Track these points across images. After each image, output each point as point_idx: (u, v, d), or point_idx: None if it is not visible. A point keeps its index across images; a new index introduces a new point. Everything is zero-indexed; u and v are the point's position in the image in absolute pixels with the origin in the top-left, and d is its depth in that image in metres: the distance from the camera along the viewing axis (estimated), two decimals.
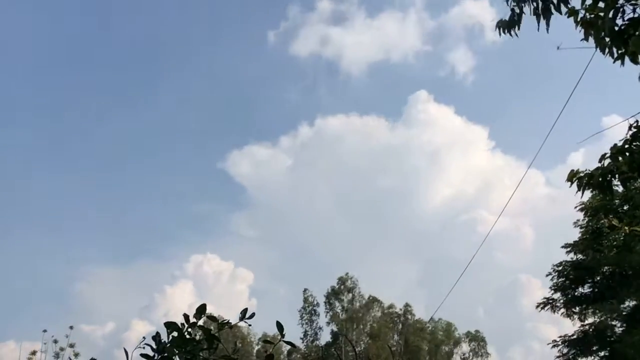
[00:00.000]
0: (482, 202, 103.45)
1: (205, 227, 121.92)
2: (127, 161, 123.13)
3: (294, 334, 69.86)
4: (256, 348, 72.92)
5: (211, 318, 3.04)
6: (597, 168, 6.55)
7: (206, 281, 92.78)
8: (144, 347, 2.87)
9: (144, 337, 2.86)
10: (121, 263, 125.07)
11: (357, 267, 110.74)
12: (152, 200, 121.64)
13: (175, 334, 2.88)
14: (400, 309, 74.71)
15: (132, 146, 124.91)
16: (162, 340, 2.88)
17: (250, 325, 3.07)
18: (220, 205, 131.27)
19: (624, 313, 27.85)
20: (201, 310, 2.92)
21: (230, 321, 3.00)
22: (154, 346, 2.89)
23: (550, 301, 30.26)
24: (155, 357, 2.87)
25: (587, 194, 6.74)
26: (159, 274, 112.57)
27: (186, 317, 2.92)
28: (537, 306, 30.80)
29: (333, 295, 71.72)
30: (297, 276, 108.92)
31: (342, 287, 72.00)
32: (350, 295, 71.94)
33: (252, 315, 2.98)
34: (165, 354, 2.81)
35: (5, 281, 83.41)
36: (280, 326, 3.11)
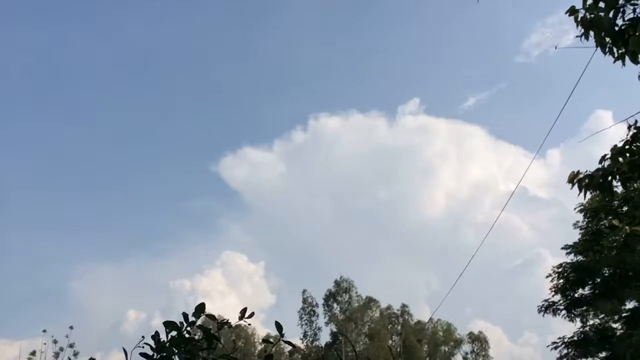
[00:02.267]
0: None
1: (199, 228, 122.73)
2: (122, 164, 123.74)
3: (295, 334, 70.14)
4: (259, 348, 72.93)
5: (210, 317, 3.02)
6: (598, 169, 6.52)
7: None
8: (143, 347, 2.86)
9: (143, 337, 2.85)
10: (117, 261, 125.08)
11: (360, 269, 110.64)
12: (148, 201, 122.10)
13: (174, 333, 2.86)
14: (398, 310, 74.80)
15: (127, 149, 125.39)
16: (161, 340, 2.87)
17: (249, 324, 3.05)
18: (215, 206, 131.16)
19: (624, 314, 27.78)
20: (200, 309, 2.90)
21: (229, 320, 2.99)
22: (153, 345, 2.87)
23: (551, 304, 30.12)
24: (155, 357, 2.85)
25: (587, 195, 6.70)
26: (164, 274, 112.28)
27: (185, 316, 2.91)
28: (539, 311, 30.66)
29: (331, 297, 71.94)
30: (297, 278, 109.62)
31: (338, 289, 72.23)
32: (347, 296, 72.15)
33: (252, 314, 2.97)
34: (164, 354, 2.80)
35: (7, 281, 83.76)
36: (279, 326, 3.10)
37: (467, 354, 76.63)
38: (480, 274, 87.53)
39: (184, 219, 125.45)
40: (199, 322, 2.97)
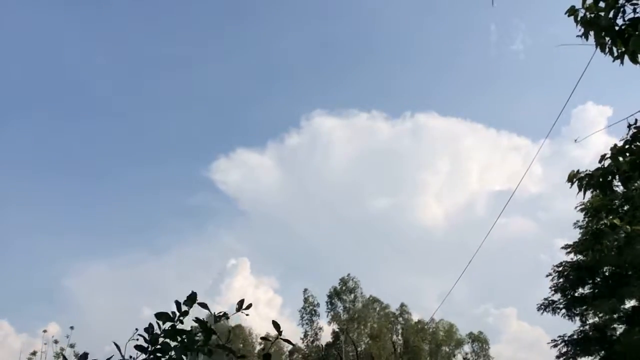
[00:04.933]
0: None
1: (194, 228, 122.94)
2: (118, 164, 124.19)
3: (296, 334, 69.93)
4: (258, 348, 72.65)
5: (202, 305, 2.98)
6: (598, 168, 6.53)
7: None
8: (137, 339, 2.85)
9: (136, 329, 2.84)
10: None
11: (361, 271, 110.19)
12: (144, 201, 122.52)
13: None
14: (397, 309, 74.61)
15: (120, 153, 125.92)
16: (155, 332, 2.85)
17: (247, 314, 3.02)
18: (210, 205, 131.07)
19: (623, 313, 27.78)
20: (192, 298, 2.88)
21: (227, 313, 2.97)
22: (147, 337, 2.85)
23: (551, 302, 30.14)
24: (149, 349, 2.84)
25: (588, 194, 6.72)
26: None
27: (178, 304, 2.88)
28: (538, 308, 30.73)
29: (335, 295, 71.15)
30: (296, 279, 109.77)
31: (344, 287, 71.50)
32: (352, 295, 71.49)
33: (249, 305, 2.95)
34: (159, 347, 2.77)
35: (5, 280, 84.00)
36: (276, 325, 3.08)
37: (467, 354, 76.58)
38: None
39: (179, 219, 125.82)
40: (198, 316, 2.95)
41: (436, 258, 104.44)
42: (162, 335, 2.82)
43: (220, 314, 2.93)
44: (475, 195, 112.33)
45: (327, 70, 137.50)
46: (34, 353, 23.74)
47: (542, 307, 30.42)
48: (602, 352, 28.16)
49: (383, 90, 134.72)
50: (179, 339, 2.80)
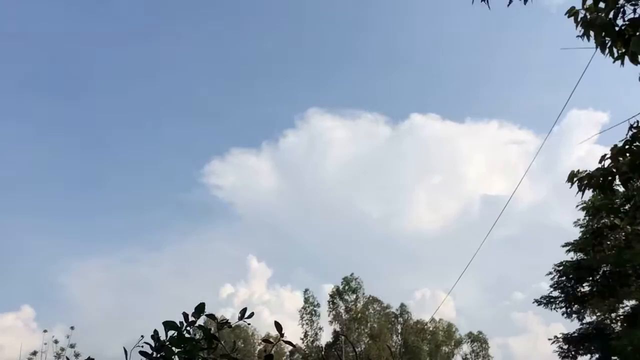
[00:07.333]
0: None
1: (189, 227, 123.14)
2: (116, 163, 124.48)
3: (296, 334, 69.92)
4: (258, 348, 72.66)
5: (210, 317, 3.01)
6: (598, 169, 6.54)
7: None
8: (142, 346, 2.86)
9: (142, 336, 2.86)
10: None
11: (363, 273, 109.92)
12: (140, 200, 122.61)
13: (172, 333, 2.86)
14: (397, 309, 74.64)
15: (119, 153, 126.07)
16: (161, 339, 2.87)
17: (249, 324, 3.05)
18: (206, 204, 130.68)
19: (623, 312, 27.85)
20: (200, 309, 2.90)
21: (229, 321, 2.99)
22: (153, 344, 2.87)
23: (551, 299, 30.25)
24: (154, 356, 2.86)
25: (588, 194, 6.73)
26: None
27: (185, 315, 2.90)
28: (534, 301, 31.06)
29: (337, 295, 71.03)
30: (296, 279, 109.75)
31: (346, 287, 71.43)
32: (355, 295, 71.42)
33: (251, 314, 2.97)
34: (164, 353, 2.79)
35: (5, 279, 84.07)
36: (278, 326, 3.09)
37: (466, 355, 76.74)
38: None
39: (176, 219, 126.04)
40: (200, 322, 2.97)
41: (437, 260, 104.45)
42: (167, 342, 2.84)
43: (223, 321, 2.95)
44: (475, 197, 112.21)
45: (325, 70, 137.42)
46: (34, 353, 23.71)
47: (539, 301, 30.65)
48: (601, 350, 28.24)
49: (383, 90, 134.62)
50: (182, 346, 2.82)
